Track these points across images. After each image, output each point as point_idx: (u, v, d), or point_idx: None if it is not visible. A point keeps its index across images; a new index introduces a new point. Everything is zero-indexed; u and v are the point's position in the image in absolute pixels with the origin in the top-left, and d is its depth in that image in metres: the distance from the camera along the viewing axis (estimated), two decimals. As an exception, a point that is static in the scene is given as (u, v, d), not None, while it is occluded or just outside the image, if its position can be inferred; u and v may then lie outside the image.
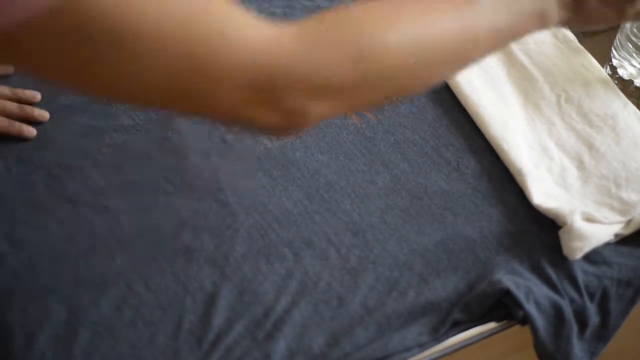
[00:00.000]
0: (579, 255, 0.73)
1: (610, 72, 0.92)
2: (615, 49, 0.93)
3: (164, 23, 0.45)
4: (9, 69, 0.84)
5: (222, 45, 0.48)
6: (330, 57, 0.51)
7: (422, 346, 0.68)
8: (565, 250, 0.73)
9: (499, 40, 0.61)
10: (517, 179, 0.79)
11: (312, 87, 0.51)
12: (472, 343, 0.70)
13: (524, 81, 0.89)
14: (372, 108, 0.64)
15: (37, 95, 0.84)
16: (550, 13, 0.62)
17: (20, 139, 0.80)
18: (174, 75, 0.47)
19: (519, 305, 0.69)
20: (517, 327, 0.71)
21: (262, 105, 0.51)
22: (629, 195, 0.78)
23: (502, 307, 0.71)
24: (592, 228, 0.73)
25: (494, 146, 0.82)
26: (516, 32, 0.61)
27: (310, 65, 0.51)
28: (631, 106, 0.87)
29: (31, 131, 0.80)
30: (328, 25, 0.52)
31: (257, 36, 0.49)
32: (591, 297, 0.72)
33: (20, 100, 0.83)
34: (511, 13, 0.59)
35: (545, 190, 0.78)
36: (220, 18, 0.48)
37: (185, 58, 0.46)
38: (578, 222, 0.73)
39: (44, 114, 0.82)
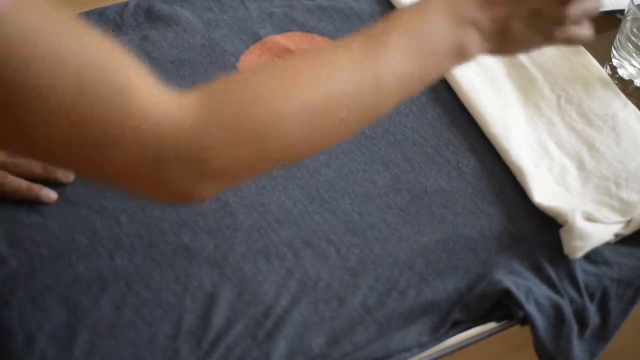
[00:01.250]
0: (579, 254, 0.73)
1: (610, 72, 0.92)
2: (615, 49, 0.93)
3: (59, 78, 0.43)
4: (69, 176, 0.76)
5: (117, 109, 0.46)
6: (226, 139, 0.49)
7: (422, 346, 0.68)
8: (566, 250, 0.73)
9: (411, 85, 0.58)
10: (518, 178, 0.79)
11: (205, 170, 0.50)
12: (472, 343, 0.70)
13: (524, 81, 0.89)
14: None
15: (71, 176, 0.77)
16: (471, 47, 0.59)
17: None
18: (66, 133, 0.45)
19: (519, 305, 0.69)
20: (517, 327, 0.71)
21: (151, 181, 0.49)
22: (629, 195, 0.78)
23: (502, 307, 0.71)
24: (592, 227, 0.73)
25: (495, 145, 0.82)
26: (431, 73, 0.59)
27: (205, 148, 0.49)
28: (631, 106, 0.87)
29: (51, 196, 0.74)
30: (224, 101, 0.50)
31: (151, 109, 0.47)
32: (591, 297, 0.72)
33: None
34: (422, 57, 0.57)
35: (545, 189, 0.78)
36: (119, 81, 0.46)
37: (78, 116, 0.45)
38: (579, 221, 0.73)
39: (68, 175, 0.75)
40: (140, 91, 0.47)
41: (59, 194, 0.75)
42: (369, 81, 0.55)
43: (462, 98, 0.86)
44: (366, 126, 0.56)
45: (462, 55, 0.59)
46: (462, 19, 0.58)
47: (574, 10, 0.61)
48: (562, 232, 0.74)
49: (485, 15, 0.58)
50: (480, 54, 0.60)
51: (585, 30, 0.63)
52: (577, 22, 0.62)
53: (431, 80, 0.59)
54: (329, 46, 0.57)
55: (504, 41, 0.60)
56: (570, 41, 0.63)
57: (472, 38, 0.59)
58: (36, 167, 0.75)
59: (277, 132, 0.51)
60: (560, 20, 0.61)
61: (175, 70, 0.87)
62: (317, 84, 0.53)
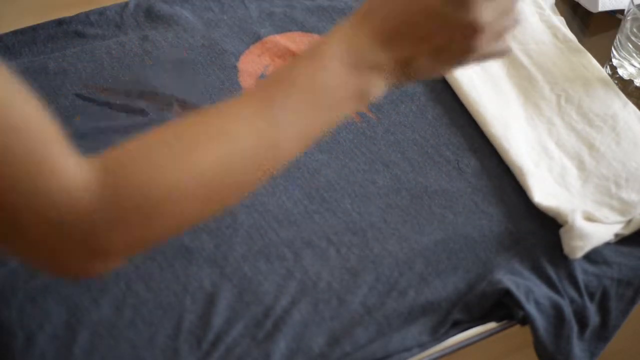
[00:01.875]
0: (579, 254, 0.73)
1: (610, 72, 0.92)
2: (615, 49, 0.93)
3: None
4: None
5: (27, 179, 0.45)
6: (120, 220, 0.49)
7: (422, 346, 0.68)
8: (566, 249, 0.73)
9: (312, 137, 0.56)
10: (518, 177, 0.79)
11: (98, 248, 0.49)
12: (472, 343, 0.70)
13: (524, 81, 0.89)
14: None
15: None
16: (373, 89, 0.56)
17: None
18: None
19: (519, 305, 0.69)
20: (517, 327, 0.71)
21: (47, 255, 0.49)
22: (629, 195, 0.78)
23: (502, 307, 0.71)
24: (592, 227, 0.73)
25: (495, 145, 0.82)
26: (332, 122, 0.56)
27: (99, 227, 0.48)
28: (631, 106, 0.87)
29: None
30: (121, 178, 0.49)
31: (58, 182, 0.46)
32: (591, 297, 0.72)
33: None
34: (320, 110, 0.55)
35: (546, 189, 0.78)
36: (35, 149, 0.46)
37: None
38: (579, 221, 0.73)
39: None
40: (52, 166, 0.47)
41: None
42: (267, 145, 0.53)
43: (462, 98, 0.86)
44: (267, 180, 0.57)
45: (364, 98, 0.56)
46: (362, 64, 0.55)
47: (485, 39, 0.56)
48: (562, 232, 0.74)
49: (388, 56, 0.55)
50: (382, 93, 0.57)
51: (504, 44, 0.58)
52: (496, 38, 0.58)
53: (334, 126, 0.57)
54: (226, 107, 0.54)
55: (407, 75, 0.57)
56: (486, 59, 0.59)
57: (374, 81, 0.56)
58: None
59: (173, 207, 0.51)
60: (469, 51, 0.57)
61: (176, 70, 0.87)
62: (213, 154, 0.51)
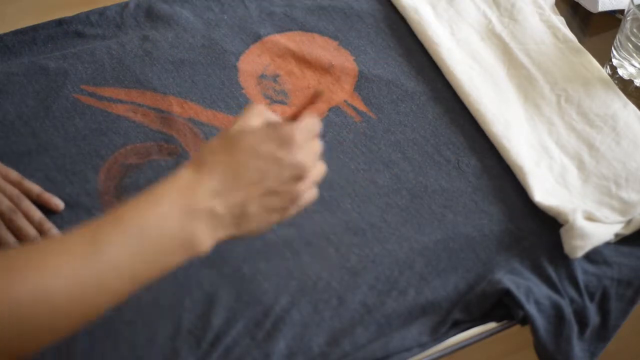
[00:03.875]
0: (580, 254, 0.72)
1: (610, 72, 0.92)
2: (615, 49, 0.93)
3: None
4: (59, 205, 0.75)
5: None
6: None
7: (423, 346, 0.68)
8: (567, 249, 0.73)
9: (136, 282, 0.55)
10: (519, 176, 0.79)
11: None
12: (472, 343, 0.70)
13: (524, 81, 0.89)
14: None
15: (60, 204, 0.75)
16: (203, 238, 0.56)
17: (19, 142, 0.79)
18: None
19: (519, 305, 0.69)
20: (517, 327, 0.71)
21: None
22: (629, 195, 0.78)
23: (502, 307, 0.71)
24: (593, 227, 0.73)
25: (496, 144, 0.82)
26: (157, 270, 0.56)
27: None
28: (631, 106, 0.87)
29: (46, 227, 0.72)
30: None
31: None
32: (591, 297, 0.72)
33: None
34: (145, 255, 0.55)
35: (546, 189, 0.78)
36: None
37: None
38: (580, 221, 0.73)
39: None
40: None
41: (58, 197, 0.75)
42: (88, 280, 0.53)
43: (462, 97, 0.86)
44: (93, 321, 0.56)
45: (192, 249, 0.57)
46: (195, 210, 0.56)
47: (306, 184, 0.61)
48: (562, 231, 0.74)
49: (222, 203, 0.57)
50: (214, 243, 0.58)
51: (312, 194, 0.63)
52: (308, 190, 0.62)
53: (160, 275, 0.57)
54: (57, 238, 0.56)
55: (241, 224, 0.59)
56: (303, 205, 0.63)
57: (205, 229, 0.56)
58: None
59: None
60: (295, 196, 0.60)
61: (176, 70, 0.87)
62: (28, 284, 0.51)
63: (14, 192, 0.73)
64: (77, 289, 0.52)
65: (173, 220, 0.55)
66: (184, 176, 0.57)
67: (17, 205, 0.72)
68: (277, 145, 0.58)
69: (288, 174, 0.59)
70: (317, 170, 0.62)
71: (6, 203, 0.72)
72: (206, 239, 0.57)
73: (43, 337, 0.53)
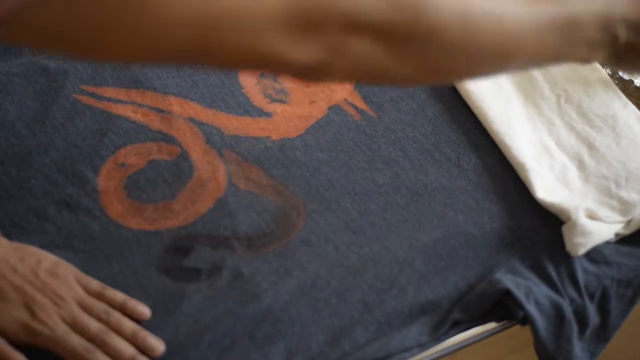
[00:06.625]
0: (581, 251, 0.72)
1: (610, 72, 0.92)
2: (615, 50, 0.93)
3: None
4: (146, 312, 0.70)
5: None
6: None
7: (422, 346, 0.68)
8: (568, 246, 0.73)
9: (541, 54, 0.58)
10: (520, 174, 0.79)
11: (350, 20, 0.49)
12: (472, 343, 0.70)
13: (524, 81, 0.89)
14: (403, 81, 0.62)
15: (146, 311, 0.69)
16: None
17: (19, 142, 0.79)
18: (200, 22, 0.46)
19: (519, 305, 0.69)
20: (517, 327, 0.71)
21: (296, 39, 0.49)
22: (629, 195, 0.78)
23: (502, 307, 0.70)
24: (594, 225, 0.73)
25: (497, 141, 0.82)
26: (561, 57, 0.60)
27: None
28: (631, 106, 0.87)
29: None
30: None
31: None
32: (591, 297, 0.72)
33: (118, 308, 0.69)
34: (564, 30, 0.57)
35: (547, 186, 0.78)
36: None
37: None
38: (582, 218, 0.73)
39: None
40: None
41: (58, 199, 0.75)
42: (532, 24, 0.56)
43: (463, 95, 0.86)
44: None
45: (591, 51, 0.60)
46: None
47: None
48: (564, 228, 0.74)
49: None
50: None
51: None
52: None
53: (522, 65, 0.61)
54: None
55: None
56: None
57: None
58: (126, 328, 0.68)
59: (428, 11, 0.52)
60: None
61: (176, 69, 0.87)
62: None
63: (101, 308, 0.67)
64: (509, 28, 0.55)
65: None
66: None
67: (106, 322, 0.67)
68: None
69: None
70: None
71: (95, 325, 0.66)
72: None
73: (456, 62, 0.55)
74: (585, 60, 0.61)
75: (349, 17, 0.50)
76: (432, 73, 0.57)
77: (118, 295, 0.69)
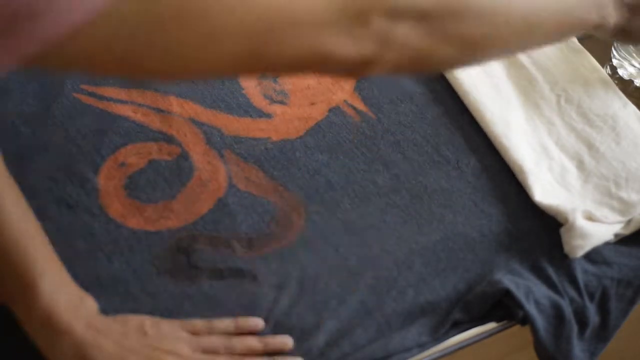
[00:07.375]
0: (580, 253, 0.73)
1: (610, 72, 0.92)
2: (615, 49, 0.93)
3: None
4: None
5: None
6: None
7: (422, 346, 0.68)
8: (567, 248, 0.73)
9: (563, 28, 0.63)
10: (519, 176, 0.79)
11: (393, 5, 0.50)
12: (472, 343, 0.70)
13: (524, 81, 0.89)
14: (445, 64, 0.65)
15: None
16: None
17: (19, 142, 0.79)
18: (260, 27, 0.46)
19: (519, 305, 0.69)
20: (517, 327, 0.71)
21: (349, 35, 0.49)
22: (629, 195, 0.78)
23: (502, 307, 0.70)
24: (593, 226, 0.73)
25: (496, 144, 0.82)
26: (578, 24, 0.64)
27: None
28: (631, 106, 0.87)
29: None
30: None
31: None
32: (591, 297, 0.72)
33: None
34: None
35: (546, 188, 0.78)
36: None
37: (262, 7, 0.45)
38: (580, 220, 0.73)
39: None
40: None
41: (59, 198, 0.75)
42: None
43: (462, 97, 0.86)
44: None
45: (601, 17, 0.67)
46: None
47: None
48: (562, 231, 0.74)
49: None
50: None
51: None
52: None
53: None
54: None
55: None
56: None
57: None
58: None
59: None
60: None
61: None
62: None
63: (219, 342, 0.66)
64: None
65: None
66: None
67: (232, 350, 0.65)
68: None
69: None
70: None
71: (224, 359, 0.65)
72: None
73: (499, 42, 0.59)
74: (599, 26, 0.65)
75: (392, 2, 0.50)
76: (473, 50, 0.58)
77: (226, 322, 0.67)
